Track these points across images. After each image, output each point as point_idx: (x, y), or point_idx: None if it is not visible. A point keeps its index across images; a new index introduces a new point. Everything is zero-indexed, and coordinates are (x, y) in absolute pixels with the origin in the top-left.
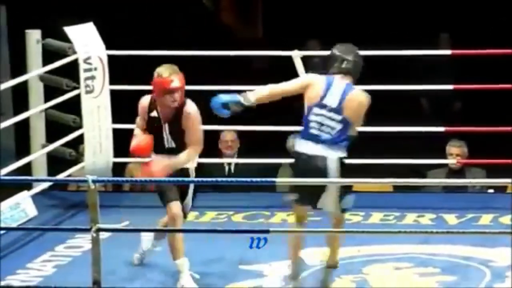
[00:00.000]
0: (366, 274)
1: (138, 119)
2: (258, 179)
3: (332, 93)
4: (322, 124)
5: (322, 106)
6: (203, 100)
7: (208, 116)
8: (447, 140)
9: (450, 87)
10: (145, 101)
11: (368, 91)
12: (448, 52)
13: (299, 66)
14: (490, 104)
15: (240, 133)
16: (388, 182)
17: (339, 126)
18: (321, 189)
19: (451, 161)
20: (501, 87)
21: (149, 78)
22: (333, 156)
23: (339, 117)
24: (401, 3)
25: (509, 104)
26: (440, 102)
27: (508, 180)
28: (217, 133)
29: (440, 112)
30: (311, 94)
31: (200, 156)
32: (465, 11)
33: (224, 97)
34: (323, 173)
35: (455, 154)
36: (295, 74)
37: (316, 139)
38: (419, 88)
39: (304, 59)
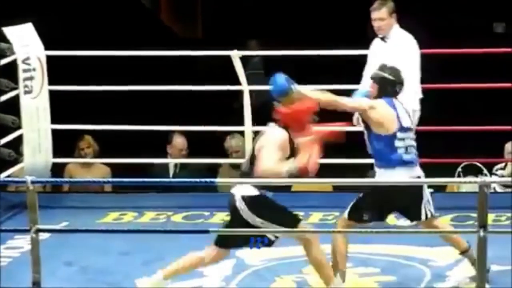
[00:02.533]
0: (306, 274)
1: None
2: (198, 180)
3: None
4: (407, 147)
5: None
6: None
7: (156, 116)
8: None
9: None
10: None
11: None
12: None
13: (238, 66)
14: (429, 104)
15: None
16: (327, 182)
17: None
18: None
19: None
20: (440, 86)
21: (89, 78)
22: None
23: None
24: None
25: (450, 103)
26: None
27: (448, 180)
28: (165, 134)
29: None
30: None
31: (146, 156)
32: None
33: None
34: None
35: None
36: (234, 74)
37: (411, 163)
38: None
39: (244, 59)
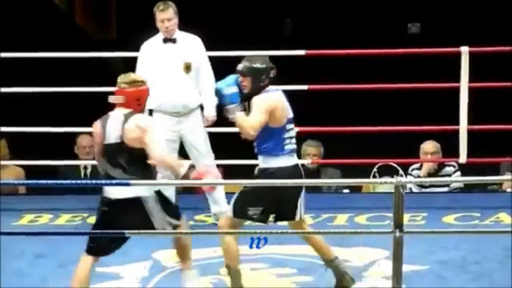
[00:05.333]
0: (223, 275)
1: None
2: (114, 182)
3: (287, 104)
4: (291, 137)
5: (290, 121)
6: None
7: (62, 117)
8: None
9: (304, 87)
10: None
11: None
12: (302, 52)
13: None
14: (344, 105)
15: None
16: (239, 183)
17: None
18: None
19: (306, 161)
20: (354, 87)
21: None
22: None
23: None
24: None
25: (364, 104)
26: (294, 102)
27: (364, 180)
28: (72, 136)
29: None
30: (279, 114)
31: (56, 158)
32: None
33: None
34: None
35: (311, 154)
36: None
37: (293, 152)
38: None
39: None
